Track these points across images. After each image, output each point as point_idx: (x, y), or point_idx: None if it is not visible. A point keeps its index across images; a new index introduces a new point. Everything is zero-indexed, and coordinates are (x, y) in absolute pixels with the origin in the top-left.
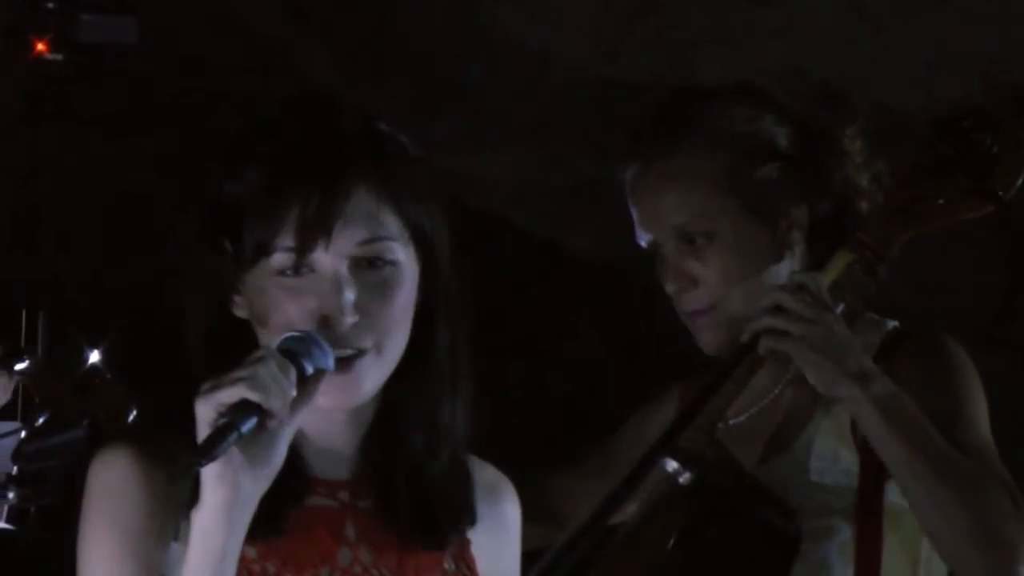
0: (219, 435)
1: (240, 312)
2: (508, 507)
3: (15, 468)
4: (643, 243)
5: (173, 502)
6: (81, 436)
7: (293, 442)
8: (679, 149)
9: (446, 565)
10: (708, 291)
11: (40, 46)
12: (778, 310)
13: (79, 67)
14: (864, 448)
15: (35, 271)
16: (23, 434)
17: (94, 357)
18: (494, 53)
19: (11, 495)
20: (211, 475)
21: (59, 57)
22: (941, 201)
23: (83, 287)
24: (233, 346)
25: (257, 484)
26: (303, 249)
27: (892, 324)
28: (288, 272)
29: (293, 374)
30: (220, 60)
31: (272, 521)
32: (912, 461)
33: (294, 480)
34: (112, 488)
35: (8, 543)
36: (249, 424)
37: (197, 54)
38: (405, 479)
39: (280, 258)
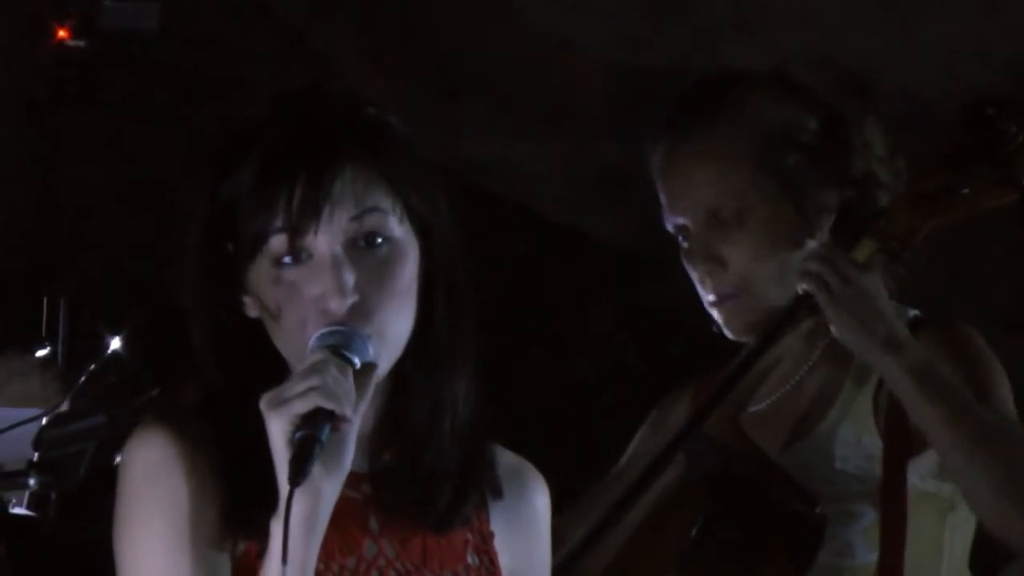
0: (307, 450)
1: (251, 312)
2: (536, 497)
3: (36, 455)
4: (671, 226)
5: (216, 484)
6: (102, 423)
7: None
8: (711, 129)
9: (469, 559)
10: (737, 273)
11: (62, 32)
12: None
13: (101, 53)
14: (887, 432)
15: (55, 258)
16: (44, 421)
17: (115, 344)
18: (518, 40)
19: (32, 481)
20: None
21: (81, 43)
22: (965, 190)
23: (104, 274)
24: (247, 347)
25: (334, 489)
26: (295, 231)
27: (912, 312)
28: (286, 261)
29: (350, 374)
30: (243, 47)
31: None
32: (949, 426)
33: None
34: (156, 468)
35: (29, 529)
36: (326, 433)
37: (219, 40)
38: (408, 458)
39: (276, 244)
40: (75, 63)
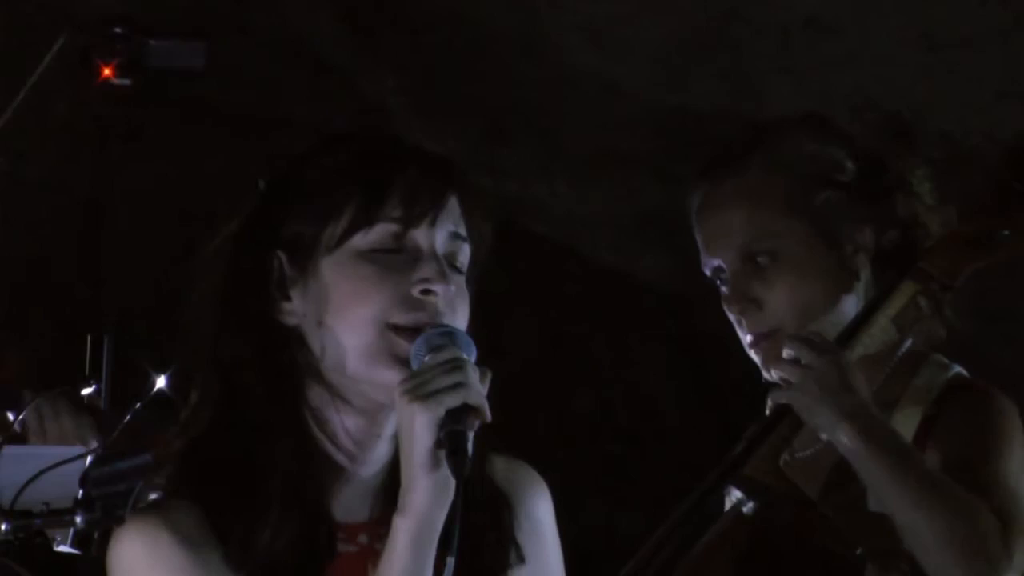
0: (463, 445)
1: (291, 319)
2: (537, 501)
3: (82, 492)
4: (708, 270)
5: (212, 540)
6: (148, 461)
7: (316, 491)
8: (745, 171)
9: None
10: (773, 313)
11: (107, 71)
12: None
13: (146, 92)
14: None
15: (100, 295)
16: (90, 459)
17: (160, 383)
18: (563, 82)
19: (79, 520)
20: (427, 481)
21: (126, 82)
22: (1006, 233)
23: (149, 312)
24: (287, 356)
25: (455, 484)
26: (413, 218)
27: (956, 370)
28: (384, 249)
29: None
30: (288, 86)
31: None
32: (897, 489)
33: (324, 530)
34: (147, 556)
35: (73, 566)
36: (471, 431)
37: (265, 80)
38: None
39: (380, 230)
40: (120, 102)
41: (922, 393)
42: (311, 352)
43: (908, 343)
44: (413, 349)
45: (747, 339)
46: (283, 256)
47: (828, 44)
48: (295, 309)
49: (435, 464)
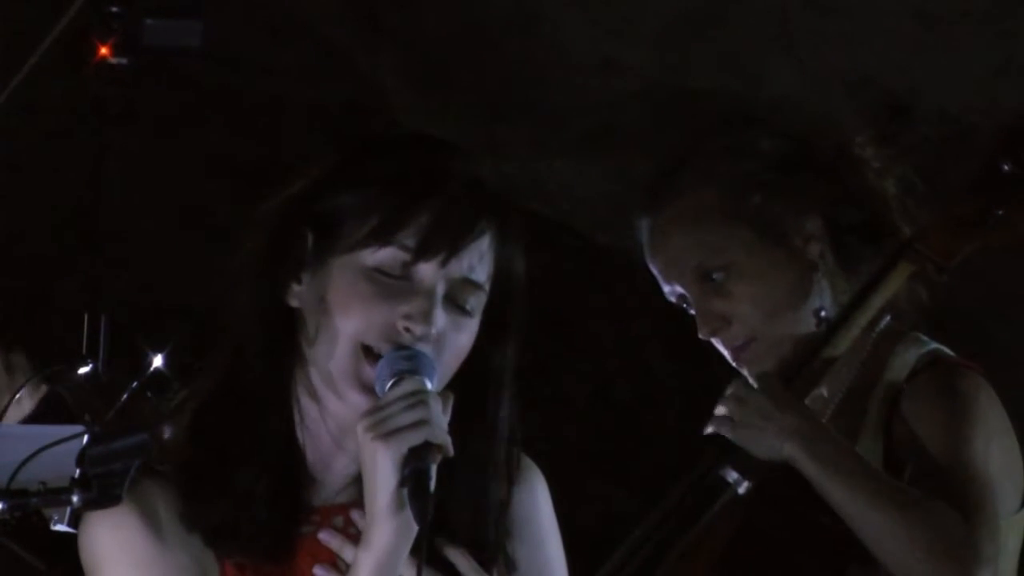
0: (425, 486)
1: (295, 301)
2: (534, 491)
3: (79, 471)
4: (672, 298)
5: (182, 526)
6: (147, 440)
7: (292, 472)
8: (677, 194)
9: None
10: (742, 324)
11: (103, 50)
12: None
13: (143, 71)
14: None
15: (97, 275)
16: (87, 438)
17: (157, 362)
18: (560, 59)
19: (75, 499)
20: (391, 519)
21: (123, 61)
22: (1000, 213)
23: (146, 291)
24: (283, 335)
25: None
26: (423, 253)
27: (932, 347)
28: (387, 272)
29: (440, 405)
30: (285, 64)
31: (274, 551)
32: (850, 500)
33: (295, 511)
34: (116, 545)
35: (70, 545)
36: (433, 468)
37: (261, 58)
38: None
39: (390, 254)
40: (117, 80)
41: (898, 370)
42: (308, 338)
43: (887, 320)
44: (377, 370)
45: (727, 355)
46: (311, 237)
47: (827, 23)
48: (300, 293)
49: (399, 504)
